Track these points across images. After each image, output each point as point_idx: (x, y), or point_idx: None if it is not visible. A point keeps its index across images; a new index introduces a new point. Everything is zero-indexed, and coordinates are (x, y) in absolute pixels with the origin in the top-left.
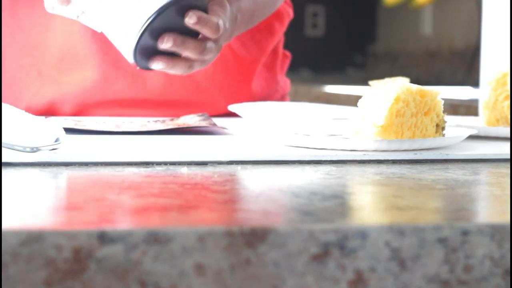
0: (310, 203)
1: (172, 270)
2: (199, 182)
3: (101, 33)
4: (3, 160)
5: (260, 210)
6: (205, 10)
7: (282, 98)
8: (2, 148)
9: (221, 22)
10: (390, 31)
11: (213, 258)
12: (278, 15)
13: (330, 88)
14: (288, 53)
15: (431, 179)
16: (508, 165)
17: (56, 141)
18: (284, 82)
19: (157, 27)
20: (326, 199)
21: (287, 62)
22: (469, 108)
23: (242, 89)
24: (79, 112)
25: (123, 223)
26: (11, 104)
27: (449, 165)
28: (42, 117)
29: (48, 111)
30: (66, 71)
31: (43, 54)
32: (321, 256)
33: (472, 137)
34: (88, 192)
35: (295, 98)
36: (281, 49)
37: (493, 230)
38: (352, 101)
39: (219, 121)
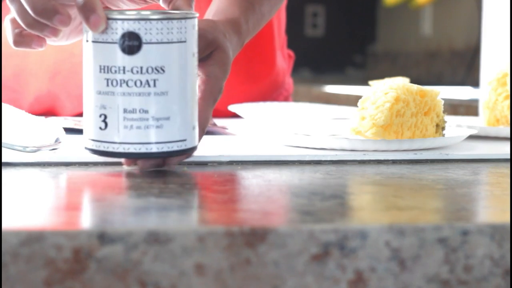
0: (310, 203)
1: (172, 270)
2: (199, 182)
3: None
4: (3, 160)
5: (260, 210)
6: None
7: (285, 100)
8: (2, 148)
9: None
10: (390, 31)
11: (213, 258)
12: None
13: (330, 88)
14: (292, 53)
15: (431, 179)
16: (508, 165)
17: (56, 141)
18: (288, 83)
19: None
20: (326, 199)
21: (291, 63)
22: (469, 108)
23: (245, 92)
24: (79, 112)
25: (123, 223)
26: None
27: (449, 165)
28: (42, 117)
29: (48, 112)
30: (62, 81)
31: (40, 65)
32: (321, 256)
33: (472, 137)
34: (88, 192)
35: (295, 98)
36: (285, 50)
37: (493, 230)
38: (352, 101)
39: (219, 121)
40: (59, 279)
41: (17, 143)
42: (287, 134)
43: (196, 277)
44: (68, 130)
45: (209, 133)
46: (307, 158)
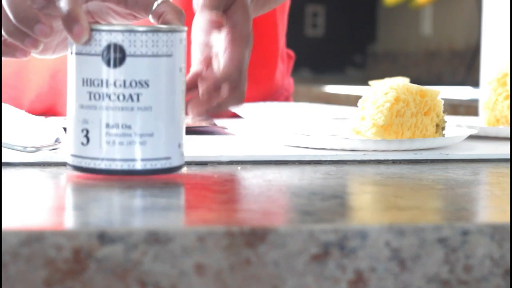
0: (310, 203)
1: (172, 270)
2: (199, 182)
3: None
4: (3, 160)
5: (260, 210)
6: None
7: (286, 100)
8: (2, 148)
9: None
10: (390, 31)
11: (213, 258)
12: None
13: (330, 88)
14: (292, 53)
15: (431, 179)
16: (508, 165)
17: (56, 141)
18: (288, 83)
19: None
20: (326, 199)
21: (291, 63)
22: (469, 108)
23: (247, 93)
24: None
25: (123, 223)
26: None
27: (449, 165)
28: (42, 117)
29: (49, 110)
30: (63, 78)
31: (41, 63)
32: (321, 256)
33: (472, 137)
34: (88, 192)
35: (295, 98)
36: (284, 51)
37: (493, 230)
38: (352, 101)
39: (219, 121)
40: (59, 279)
41: (17, 143)
42: (287, 134)
43: (196, 277)
44: None
45: (209, 133)
46: (307, 158)
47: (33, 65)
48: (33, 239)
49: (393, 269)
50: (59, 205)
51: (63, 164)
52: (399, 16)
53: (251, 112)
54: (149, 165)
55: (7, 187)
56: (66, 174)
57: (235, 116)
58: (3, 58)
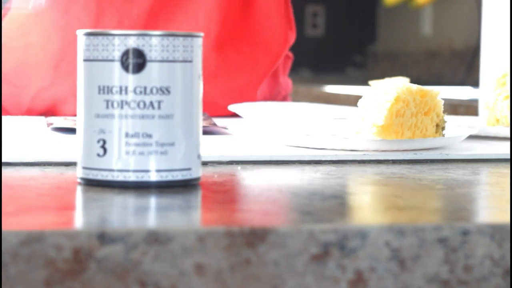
0: (310, 203)
1: (172, 270)
2: (199, 182)
3: None
4: (3, 160)
5: (260, 210)
6: None
7: (284, 99)
8: (2, 148)
9: None
10: (390, 31)
11: (213, 258)
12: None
13: (330, 88)
14: (290, 54)
15: (431, 179)
16: (508, 165)
17: None
18: (286, 83)
19: None
20: (326, 199)
21: (289, 63)
22: (469, 108)
23: (245, 95)
24: None
25: (123, 223)
26: (12, 105)
27: (449, 165)
28: (42, 117)
29: (49, 112)
30: (67, 68)
31: (43, 56)
32: (321, 256)
33: (472, 137)
34: (88, 192)
35: (295, 98)
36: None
37: (493, 230)
38: (352, 101)
39: (219, 121)
40: (59, 279)
41: None
42: (287, 134)
43: (196, 277)
44: (68, 130)
45: (209, 133)
46: (307, 158)
47: (34, 59)
48: (33, 239)
49: (393, 269)
50: (59, 205)
51: (63, 164)
52: (399, 16)
53: (251, 112)
54: (170, 176)
55: (7, 187)
56: (66, 174)
57: (235, 116)
58: (4, 54)
